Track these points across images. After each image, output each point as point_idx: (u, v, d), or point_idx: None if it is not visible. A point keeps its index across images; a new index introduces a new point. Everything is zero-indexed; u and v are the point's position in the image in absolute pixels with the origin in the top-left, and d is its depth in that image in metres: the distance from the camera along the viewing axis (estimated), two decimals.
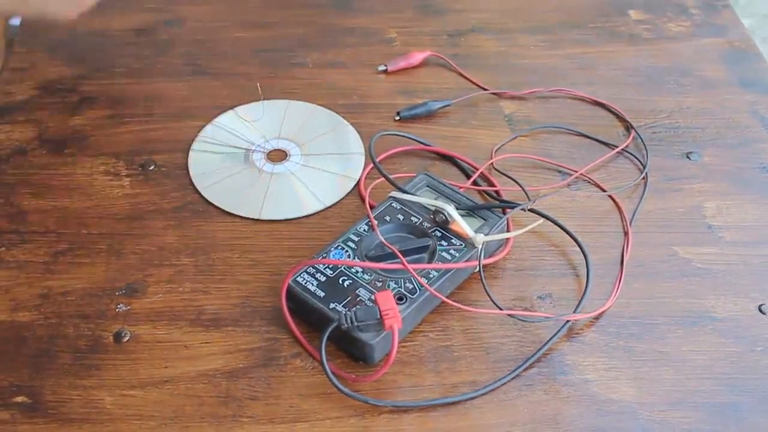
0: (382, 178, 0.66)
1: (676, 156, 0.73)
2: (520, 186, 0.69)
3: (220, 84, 0.78)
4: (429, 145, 0.72)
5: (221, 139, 0.72)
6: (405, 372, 0.56)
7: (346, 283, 0.58)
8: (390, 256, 0.59)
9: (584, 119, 0.76)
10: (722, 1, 0.91)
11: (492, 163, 0.70)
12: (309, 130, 0.73)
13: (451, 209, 0.61)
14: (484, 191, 0.68)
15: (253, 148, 0.71)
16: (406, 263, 0.57)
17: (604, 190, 0.69)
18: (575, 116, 0.76)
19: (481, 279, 0.59)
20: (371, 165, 0.69)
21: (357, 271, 0.59)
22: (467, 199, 0.64)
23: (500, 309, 0.58)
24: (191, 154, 0.71)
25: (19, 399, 0.54)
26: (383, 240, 0.59)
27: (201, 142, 0.72)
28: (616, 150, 0.72)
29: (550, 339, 0.58)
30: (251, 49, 0.77)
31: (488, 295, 0.58)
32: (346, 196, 0.68)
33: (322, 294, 0.57)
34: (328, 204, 0.67)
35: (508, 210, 0.64)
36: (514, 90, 0.78)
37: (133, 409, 0.53)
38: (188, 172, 0.69)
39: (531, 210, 0.63)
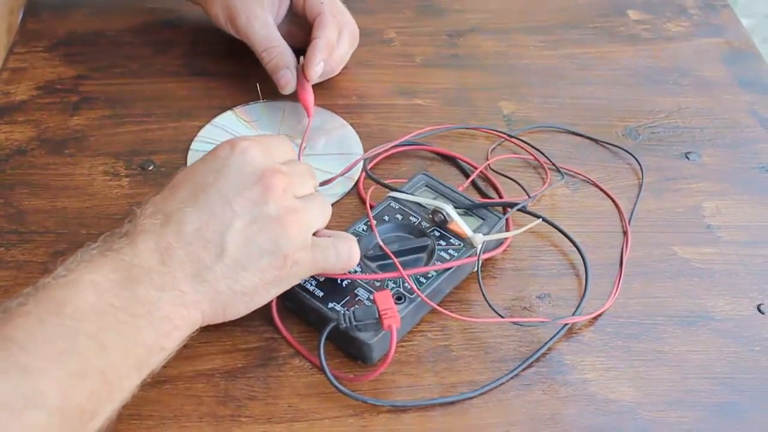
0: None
1: (675, 156, 0.73)
2: (521, 186, 0.69)
3: (219, 84, 0.78)
4: (428, 146, 0.72)
5: (220, 140, 0.71)
6: (403, 371, 0.56)
7: (345, 282, 0.58)
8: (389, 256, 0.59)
9: (583, 119, 0.76)
10: (721, 2, 0.91)
11: (489, 164, 0.70)
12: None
13: (449, 209, 0.61)
14: (482, 191, 0.69)
15: None
16: (401, 269, 0.57)
17: (603, 190, 0.69)
18: (574, 116, 0.76)
19: (479, 282, 0.59)
20: (370, 165, 0.69)
21: (356, 271, 0.59)
22: (466, 198, 0.64)
23: (501, 317, 0.58)
24: (190, 154, 0.71)
25: None
26: (381, 242, 0.59)
27: (200, 142, 0.72)
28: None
29: (549, 339, 0.58)
30: (251, 49, 0.77)
31: (486, 301, 0.58)
32: (345, 195, 0.68)
33: (320, 293, 0.57)
34: None
35: (507, 209, 0.64)
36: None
37: (131, 409, 0.53)
38: None
39: (529, 212, 0.64)
